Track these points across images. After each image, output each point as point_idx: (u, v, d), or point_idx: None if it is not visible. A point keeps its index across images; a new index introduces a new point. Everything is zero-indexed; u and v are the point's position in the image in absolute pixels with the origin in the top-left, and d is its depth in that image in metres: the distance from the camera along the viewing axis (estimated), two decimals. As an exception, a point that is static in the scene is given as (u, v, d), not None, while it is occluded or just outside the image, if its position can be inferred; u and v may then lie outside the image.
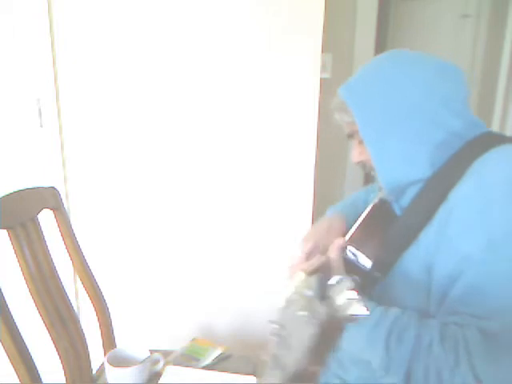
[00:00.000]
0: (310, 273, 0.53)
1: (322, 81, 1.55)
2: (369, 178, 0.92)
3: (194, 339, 1.23)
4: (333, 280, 0.50)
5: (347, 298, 0.49)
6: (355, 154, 0.84)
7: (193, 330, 1.69)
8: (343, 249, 0.66)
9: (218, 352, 1.15)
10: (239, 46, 1.51)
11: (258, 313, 1.67)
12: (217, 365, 1.11)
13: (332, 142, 2.30)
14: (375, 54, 2.41)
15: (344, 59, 2.27)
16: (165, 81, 1.53)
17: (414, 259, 0.75)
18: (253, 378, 0.98)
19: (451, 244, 0.69)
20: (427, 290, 0.73)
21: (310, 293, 0.51)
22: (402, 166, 0.76)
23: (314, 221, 1.61)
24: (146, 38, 1.49)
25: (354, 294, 0.49)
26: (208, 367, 1.08)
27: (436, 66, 0.78)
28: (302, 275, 0.54)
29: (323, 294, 0.50)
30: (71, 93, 1.52)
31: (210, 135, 1.57)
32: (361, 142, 0.81)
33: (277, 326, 0.54)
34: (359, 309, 0.49)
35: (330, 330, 0.50)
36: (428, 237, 0.73)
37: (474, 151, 0.73)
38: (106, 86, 1.53)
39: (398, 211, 0.82)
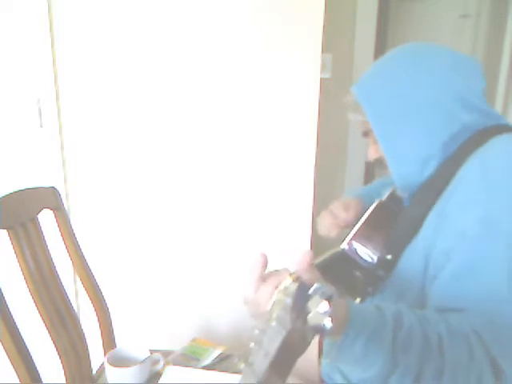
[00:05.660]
0: (296, 278, 0.51)
1: (322, 81, 1.55)
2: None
3: (193, 339, 1.23)
4: (311, 289, 0.48)
5: (318, 310, 0.46)
6: (371, 152, 0.83)
7: (193, 330, 1.69)
8: (311, 264, 0.63)
9: (217, 352, 1.15)
10: (239, 46, 1.51)
11: (258, 313, 1.67)
12: (217, 365, 1.10)
13: (332, 142, 2.31)
14: (375, 54, 2.42)
15: (344, 59, 2.27)
16: (165, 81, 1.53)
17: (413, 252, 0.74)
18: (253, 378, 0.98)
19: (448, 222, 0.68)
20: (423, 280, 0.70)
21: (288, 300, 0.49)
22: (415, 162, 0.75)
23: (314, 221, 1.61)
24: (146, 38, 1.49)
25: (325, 306, 0.46)
26: (208, 367, 1.08)
27: (450, 58, 0.76)
28: (288, 280, 0.52)
29: (302, 302, 0.47)
30: (71, 93, 1.52)
31: (210, 135, 1.57)
32: (376, 141, 0.80)
33: (257, 332, 0.51)
34: (326, 322, 0.46)
35: (295, 342, 0.47)
36: (428, 226, 0.72)
37: (480, 140, 0.71)
38: (106, 86, 1.53)
39: None
